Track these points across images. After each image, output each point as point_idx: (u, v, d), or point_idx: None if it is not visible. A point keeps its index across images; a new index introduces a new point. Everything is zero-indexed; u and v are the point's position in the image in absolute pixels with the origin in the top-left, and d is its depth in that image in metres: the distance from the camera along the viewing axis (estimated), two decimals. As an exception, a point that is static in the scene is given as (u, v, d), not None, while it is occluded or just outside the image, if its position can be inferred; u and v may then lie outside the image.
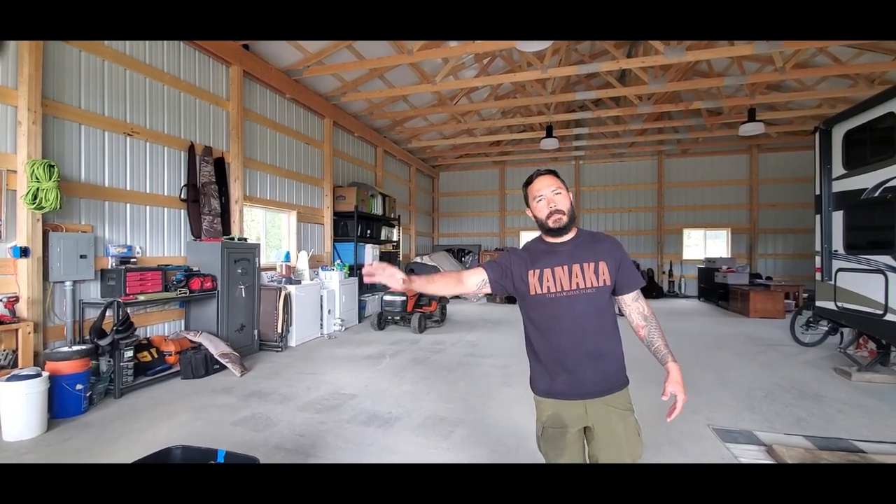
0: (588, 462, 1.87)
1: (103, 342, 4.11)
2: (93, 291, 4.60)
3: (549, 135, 10.34)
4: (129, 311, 4.39)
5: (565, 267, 1.76)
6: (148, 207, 5.22)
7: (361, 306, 8.88)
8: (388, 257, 10.31)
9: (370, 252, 9.27)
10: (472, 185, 15.95)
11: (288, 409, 4.05)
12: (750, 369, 5.52)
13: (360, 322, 8.64)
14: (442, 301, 8.61)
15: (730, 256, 13.48)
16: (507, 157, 14.69)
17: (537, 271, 1.77)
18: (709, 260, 12.86)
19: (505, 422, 3.82)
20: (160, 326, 5.38)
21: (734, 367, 5.64)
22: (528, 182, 1.82)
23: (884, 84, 7.89)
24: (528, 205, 1.83)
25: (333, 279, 7.75)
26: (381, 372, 5.34)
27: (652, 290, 13.68)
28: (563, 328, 1.76)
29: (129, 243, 4.98)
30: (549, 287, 1.75)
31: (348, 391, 4.60)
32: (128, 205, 4.98)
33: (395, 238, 10.87)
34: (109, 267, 4.68)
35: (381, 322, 7.89)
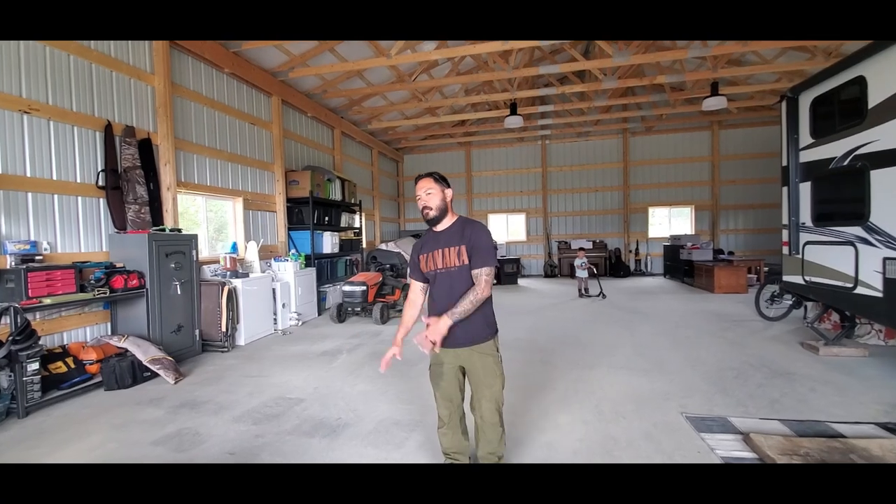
0: (461, 390, 2.49)
1: (-3, 355, 3.51)
2: (-12, 296, 3.95)
3: (514, 112, 9.95)
4: (28, 318, 3.78)
5: (439, 251, 2.34)
6: (56, 196, 4.54)
7: (322, 298, 8.37)
8: (349, 245, 9.77)
9: (329, 240, 8.73)
10: (438, 168, 15.34)
11: (221, 421, 3.58)
12: (719, 348, 5.39)
13: (319, 315, 8.14)
14: (405, 290, 8.19)
15: (694, 233, 13.60)
16: (472, 137, 14.26)
17: (424, 255, 2.39)
18: (674, 237, 12.91)
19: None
20: (80, 332, 4.76)
21: (703, 346, 5.50)
22: (422, 176, 2.37)
23: (840, 57, 7.86)
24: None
25: (287, 270, 7.20)
26: (335, 370, 4.91)
27: (619, 270, 13.69)
28: (439, 296, 2.34)
29: (32, 238, 4.32)
30: (430, 266, 2.36)
31: (295, 395, 4.15)
32: (29, 194, 4.30)
33: (356, 224, 10.33)
34: (8, 267, 4.03)
35: (342, 314, 7.42)
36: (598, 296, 9.61)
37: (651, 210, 14.33)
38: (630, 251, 14.26)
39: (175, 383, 4.52)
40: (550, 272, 14.29)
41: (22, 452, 3.11)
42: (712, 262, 10.50)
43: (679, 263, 11.96)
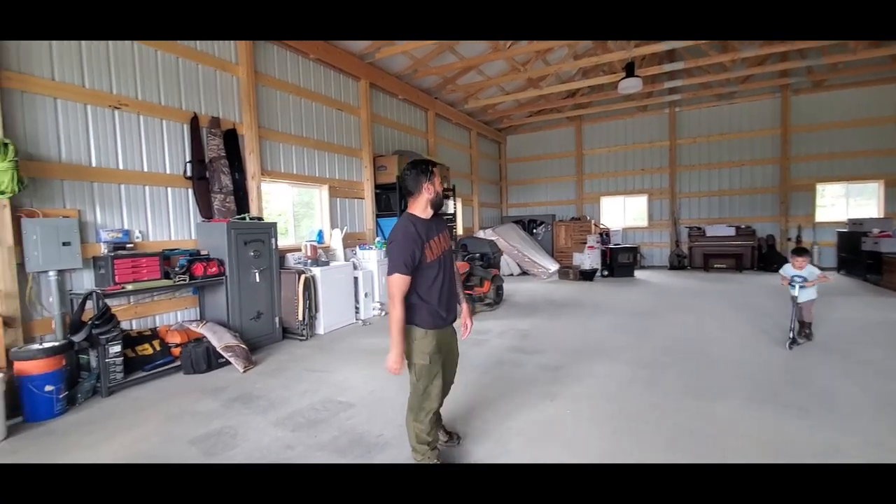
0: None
1: (77, 337, 3.72)
2: (86, 281, 4.27)
3: (630, 74, 8.42)
4: (108, 304, 3.97)
5: (437, 236, 2.52)
6: (147, 188, 4.79)
7: (410, 287, 8.06)
8: (441, 232, 9.34)
9: (418, 227, 8.36)
10: (545, 148, 14.23)
11: (263, 423, 3.34)
12: (930, 382, 3.70)
13: (406, 304, 7.85)
14: (496, 281, 7.48)
15: (883, 217, 10.39)
16: (583, 110, 12.73)
17: (432, 240, 2.47)
18: (853, 222, 9.98)
19: (523, 458, 2.73)
20: (171, 315, 5.02)
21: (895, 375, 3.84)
22: (434, 165, 2.53)
23: None
24: (428, 183, 2.45)
25: (371, 259, 7.00)
26: (398, 371, 4.45)
27: (772, 262, 11.10)
28: (443, 278, 2.50)
29: (125, 227, 4.60)
30: (438, 251, 2.49)
31: (347, 398, 3.78)
32: (122, 185, 4.57)
33: (450, 210, 9.84)
34: (102, 254, 4.32)
35: (425, 305, 7.01)
36: (802, 335, 4.96)
37: (820, 187, 11.33)
38: (788, 239, 11.49)
39: (244, 372, 4.50)
40: (678, 263, 12.22)
41: (80, 437, 3.19)
42: (915, 255, 7.78)
43: (860, 256, 9.19)
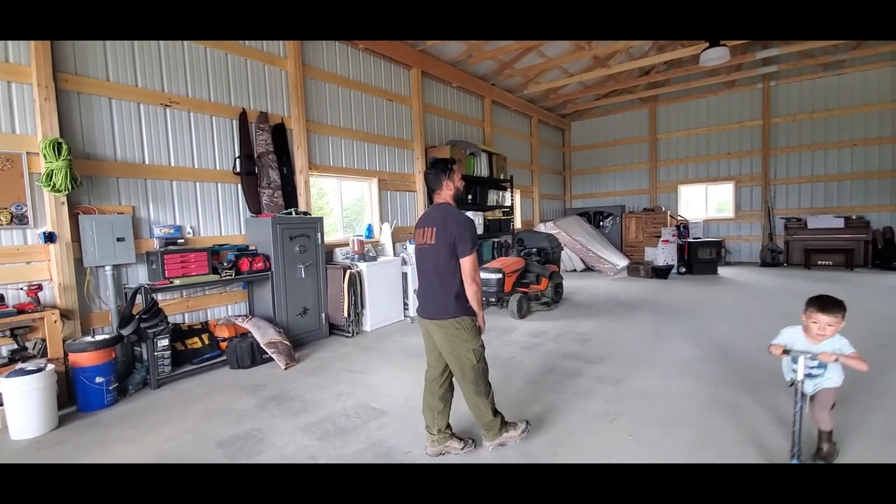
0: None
1: (125, 331, 3.81)
2: (141, 275, 4.41)
3: (715, 43, 7.37)
4: (156, 298, 4.04)
5: None
6: (197, 184, 4.87)
7: (464, 283, 7.73)
8: (497, 225, 8.89)
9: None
10: (614, 133, 13.15)
11: (292, 428, 3.18)
12: None
13: (459, 301, 7.54)
14: (555, 278, 6.92)
15: None
16: (659, 89, 11.56)
17: None
18: None
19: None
20: (222, 309, 5.10)
21: None
22: (454, 163, 2.70)
23: None
24: (448, 180, 2.63)
25: (421, 253, 6.74)
26: (440, 376, 4.14)
27: (890, 258, 9.38)
28: None
29: (177, 223, 4.70)
30: None
31: (381, 404, 3.54)
32: (173, 182, 4.67)
33: (507, 203, 9.34)
34: (155, 249, 4.43)
35: (477, 303, 6.65)
36: (819, 454, 2.48)
37: (959, 168, 9.37)
38: (912, 231, 9.66)
39: (285, 369, 4.43)
40: (772, 259, 10.77)
41: (123, 431, 3.23)
42: None
43: None
